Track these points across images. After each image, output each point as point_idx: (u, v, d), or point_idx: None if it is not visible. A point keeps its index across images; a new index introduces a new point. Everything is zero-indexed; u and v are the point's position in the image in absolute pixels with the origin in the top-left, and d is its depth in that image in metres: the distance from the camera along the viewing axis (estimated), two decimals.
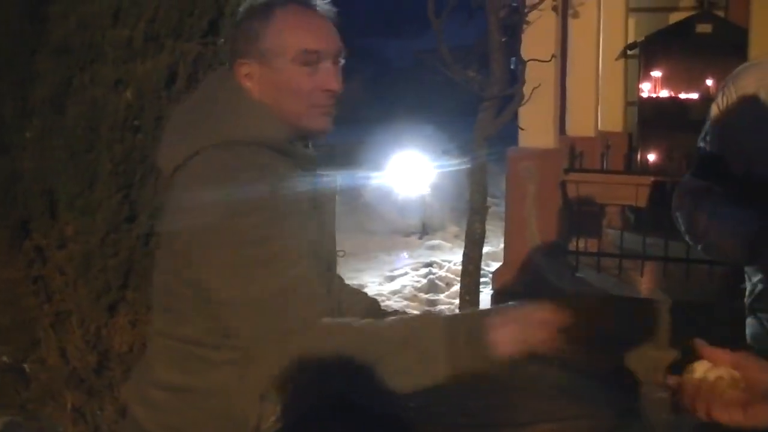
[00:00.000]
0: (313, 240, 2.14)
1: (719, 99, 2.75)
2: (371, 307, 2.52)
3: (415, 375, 1.94)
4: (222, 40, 4.13)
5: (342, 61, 2.21)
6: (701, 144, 2.81)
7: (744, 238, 2.54)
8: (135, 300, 4.18)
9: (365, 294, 2.68)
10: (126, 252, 4.07)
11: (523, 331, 1.96)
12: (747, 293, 2.81)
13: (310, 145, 2.30)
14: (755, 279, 2.75)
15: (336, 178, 2.35)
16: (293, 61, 2.12)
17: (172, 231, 2.13)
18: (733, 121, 2.69)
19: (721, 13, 10.04)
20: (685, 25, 9.65)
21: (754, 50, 5.88)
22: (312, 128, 2.19)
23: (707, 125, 2.79)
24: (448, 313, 2.16)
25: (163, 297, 2.25)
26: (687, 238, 2.84)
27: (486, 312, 2.14)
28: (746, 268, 2.83)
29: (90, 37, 4.02)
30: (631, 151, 9.54)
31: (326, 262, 2.24)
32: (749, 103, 2.64)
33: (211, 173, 2.05)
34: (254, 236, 1.98)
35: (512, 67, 5.92)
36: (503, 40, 5.52)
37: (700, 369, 1.60)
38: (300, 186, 2.12)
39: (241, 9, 2.23)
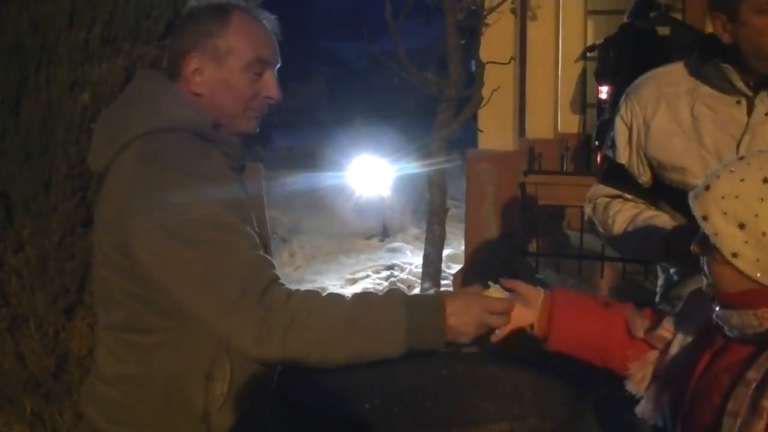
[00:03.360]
0: (245, 218, 2.18)
1: (623, 111, 2.83)
2: None
3: (375, 344, 2.04)
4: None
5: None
6: (608, 153, 2.89)
7: (659, 239, 2.64)
8: (93, 303, 4.14)
9: None
10: (82, 255, 4.04)
11: (477, 317, 2.12)
12: (660, 285, 2.97)
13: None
14: (672, 271, 2.89)
15: (260, 166, 2.43)
16: (246, 67, 2.22)
17: (107, 223, 2.18)
18: (640, 134, 2.78)
19: (678, 16, 10.14)
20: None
21: None
22: (242, 129, 2.29)
23: (613, 135, 2.87)
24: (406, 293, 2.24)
25: (98, 291, 2.33)
26: (603, 241, 3.00)
27: (444, 294, 2.23)
28: (660, 264, 2.99)
29: (44, 39, 3.99)
30: (590, 152, 9.61)
31: (262, 244, 2.27)
32: (653, 115, 2.74)
33: (140, 161, 2.11)
34: (184, 216, 2.04)
35: (472, 69, 5.93)
36: (462, 42, 5.53)
37: None
38: (225, 169, 2.19)
39: (193, 5, 2.29)
